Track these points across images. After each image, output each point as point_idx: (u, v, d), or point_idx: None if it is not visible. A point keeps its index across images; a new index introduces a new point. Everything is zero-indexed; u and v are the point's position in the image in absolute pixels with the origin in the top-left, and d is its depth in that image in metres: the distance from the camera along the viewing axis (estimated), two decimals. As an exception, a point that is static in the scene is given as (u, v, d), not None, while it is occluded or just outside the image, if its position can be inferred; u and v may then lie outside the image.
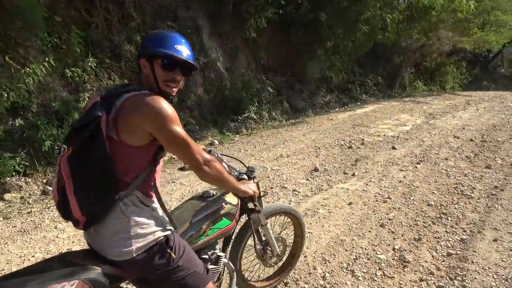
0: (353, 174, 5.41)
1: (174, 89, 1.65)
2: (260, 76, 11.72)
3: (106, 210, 1.52)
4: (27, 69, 5.32)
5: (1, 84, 5.29)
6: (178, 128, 1.51)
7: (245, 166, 2.46)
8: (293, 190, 4.83)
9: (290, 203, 4.42)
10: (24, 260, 3.29)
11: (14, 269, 3.00)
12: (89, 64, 6.85)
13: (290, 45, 12.17)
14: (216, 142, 7.93)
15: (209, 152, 2.37)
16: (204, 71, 9.58)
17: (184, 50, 1.64)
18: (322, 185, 5.01)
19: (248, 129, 9.26)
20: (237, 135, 8.69)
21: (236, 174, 2.31)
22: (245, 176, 2.27)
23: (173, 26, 8.58)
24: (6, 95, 5.22)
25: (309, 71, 13.19)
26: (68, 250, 3.30)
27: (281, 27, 11.83)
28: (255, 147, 7.25)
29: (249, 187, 2.00)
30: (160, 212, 1.71)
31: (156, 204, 1.69)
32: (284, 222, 2.86)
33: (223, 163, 2.34)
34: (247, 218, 2.30)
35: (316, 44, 12.49)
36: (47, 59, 5.79)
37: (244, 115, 9.72)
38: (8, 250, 3.46)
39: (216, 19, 10.31)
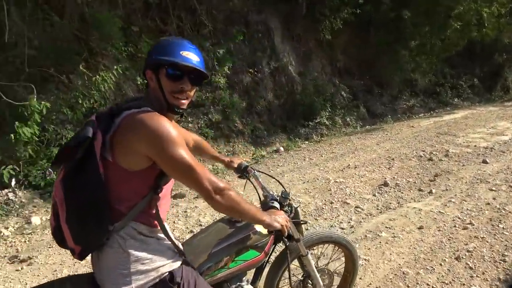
0: (430, 192, 4.71)
1: (183, 101, 1.44)
2: (334, 80, 11.17)
3: (100, 242, 1.37)
4: (98, 77, 5.62)
5: (78, 91, 5.69)
6: (181, 151, 1.30)
7: (283, 187, 2.13)
8: (355, 207, 4.35)
9: (350, 221, 3.97)
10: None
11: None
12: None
13: (369, 46, 11.42)
14: (282, 149, 7.67)
15: (246, 168, 2.13)
16: (275, 76, 9.39)
17: (192, 57, 1.43)
18: (390, 203, 4.44)
19: (319, 136, 8.83)
20: (306, 142, 8.33)
21: (268, 198, 2.00)
22: (277, 204, 1.90)
23: (243, 30, 8.52)
24: (81, 102, 5.58)
25: (390, 73, 12.24)
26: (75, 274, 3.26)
27: (359, 27, 11.16)
28: (321, 156, 6.82)
29: (276, 219, 1.65)
30: (168, 241, 1.51)
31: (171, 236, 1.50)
32: (333, 253, 2.46)
33: (259, 182, 2.06)
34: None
35: (399, 44, 11.55)
36: (120, 66, 6.10)
37: (316, 121, 9.31)
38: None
39: (288, 22, 10.07)
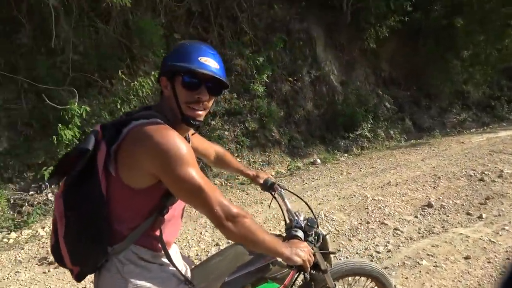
0: (480, 217, 4.28)
1: (199, 112, 1.29)
2: (378, 90, 10.73)
3: (97, 264, 1.27)
4: (137, 82, 5.71)
5: (117, 96, 5.81)
6: (190, 170, 1.16)
7: (312, 212, 1.91)
8: (394, 229, 4.02)
9: (387, 245, 3.66)
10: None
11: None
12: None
13: (417, 55, 10.89)
14: (319, 161, 7.40)
15: (272, 185, 1.94)
16: (315, 85, 9.16)
17: (211, 63, 1.28)
18: (434, 227, 4.06)
19: (359, 149, 8.47)
20: (345, 155, 8.00)
21: (293, 223, 1.80)
22: (301, 233, 1.64)
23: (284, 38, 8.39)
24: (119, 107, 5.69)
25: (440, 84, 11.58)
26: None
27: (407, 35, 10.68)
28: (360, 170, 6.48)
29: (298, 253, 1.39)
30: (173, 267, 1.37)
31: (175, 261, 1.37)
32: (365, 286, 2.21)
33: (285, 202, 1.88)
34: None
35: (450, 53, 10.93)
36: (158, 72, 6.16)
37: (356, 133, 8.95)
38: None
39: (332, 30, 9.82)
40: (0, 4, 5.60)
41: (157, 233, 1.31)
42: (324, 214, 4.46)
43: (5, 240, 4.31)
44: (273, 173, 6.73)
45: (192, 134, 1.62)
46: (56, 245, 1.31)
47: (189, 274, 1.48)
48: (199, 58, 1.26)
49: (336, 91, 9.47)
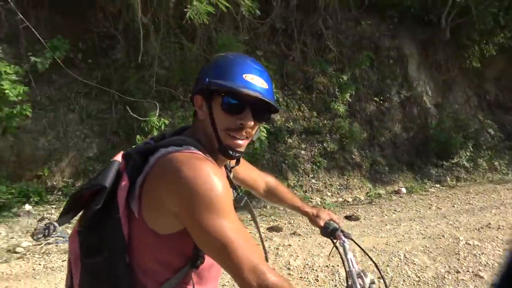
0: None
1: (240, 141, 1.07)
2: (481, 114, 9.48)
3: None
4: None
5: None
6: (222, 221, 0.91)
7: (379, 272, 1.53)
8: (492, 285, 3.30)
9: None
10: None
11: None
12: (275, 95, 6.91)
13: (532, 76, 9.42)
14: (404, 190, 6.66)
15: (334, 232, 1.56)
16: (405, 106, 8.40)
17: (258, 82, 1.05)
18: (547, 287, 3.25)
19: (454, 180, 7.48)
20: (436, 186, 7.11)
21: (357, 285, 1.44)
22: None
23: (371, 56, 7.87)
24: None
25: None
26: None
27: (519, 53, 9.31)
28: (453, 206, 5.64)
29: None
30: None
31: None
32: None
33: (347, 258, 1.52)
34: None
35: None
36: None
37: (452, 161, 7.95)
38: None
39: (427, 47, 9.00)
40: (102, 22, 6.16)
41: (190, 287, 1.06)
42: (404, 255, 3.89)
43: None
44: (350, 199, 6.22)
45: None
46: None
47: None
48: (243, 76, 1.04)
49: (429, 113, 8.58)
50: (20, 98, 4.90)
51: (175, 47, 6.18)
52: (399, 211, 5.48)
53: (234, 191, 1.23)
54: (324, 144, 7.06)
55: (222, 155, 1.06)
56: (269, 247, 4.13)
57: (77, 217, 1.08)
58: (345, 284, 1.44)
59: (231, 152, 1.06)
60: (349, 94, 7.50)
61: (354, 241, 1.59)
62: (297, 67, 7.69)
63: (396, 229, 4.65)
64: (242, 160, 1.48)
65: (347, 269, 1.46)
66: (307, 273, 3.60)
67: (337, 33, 8.01)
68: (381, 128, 7.88)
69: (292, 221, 4.95)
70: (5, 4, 5.36)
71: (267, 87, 1.06)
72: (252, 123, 1.05)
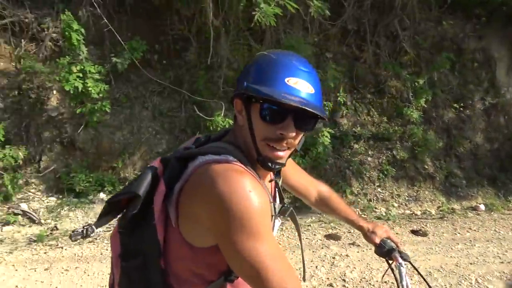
0: None
1: (280, 153, 0.98)
2: None
3: None
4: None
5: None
6: (255, 243, 0.84)
7: None
8: None
9: None
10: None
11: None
12: (342, 98, 6.68)
13: None
14: (482, 207, 6.03)
15: (390, 252, 1.44)
16: (490, 114, 7.61)
17: (303, 87, 0.95)
18: None
19: (545, 199, 6.60)
20: (522, 204, 6.34)
21: None
22: None
23: (452, 59, 7.24)
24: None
25: None
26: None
27: None
28: (541, 230, 4.98)
29: None
30: None
31: None
32: None
33: (402, 284, 1.37)
34: None
35: None
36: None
37: (544, 178, 7.03)
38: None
39: (520, 50, 8.04)
40: (177, 25, 6.49)
41: None
42: (476, 280, 3.52)
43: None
44: (418, 212, 5.79)
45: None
46: (113, 286, 1.13)
47: None
48: (286, 80, 0.94)
49: (518, 123, 7.68)
50: (101, 95, 5.36)
51: (244, 49, 6.28)
52: (475, 230, 4.97)
53: (279, 202, 1.16)
54: (394, 152, 6.67)
55: (261, 166, 1.00)
56: (325, 256, 4.01)
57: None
58: None
59: (270, 164, 0.98)
60: (424, 99, 7.00)
61: (412, 265, 1.44)
62: (368, 69, 7.36)
63: (469, 250, 4.23)
64: (292, 164, 1.42)
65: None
66: (363, 287, 3.43)
67: (414, 34, 7.51)
68: (460, 137, 7.23)
69: (352, 230, 4.75)
70: (93, 10, 5.90)
71: (313, 92, 0.96)
72: (294, 133, 0.96)
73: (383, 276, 1.60)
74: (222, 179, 0.86)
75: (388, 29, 7.44)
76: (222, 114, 5.67)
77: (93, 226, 1.00)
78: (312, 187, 1.52)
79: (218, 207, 0.84)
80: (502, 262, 3.90)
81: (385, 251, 1.44)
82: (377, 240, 1.47)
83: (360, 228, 1.52)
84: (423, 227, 4.97)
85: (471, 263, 3.86)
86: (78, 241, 4.34)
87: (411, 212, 5.77)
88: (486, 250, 4.22)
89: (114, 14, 6.02)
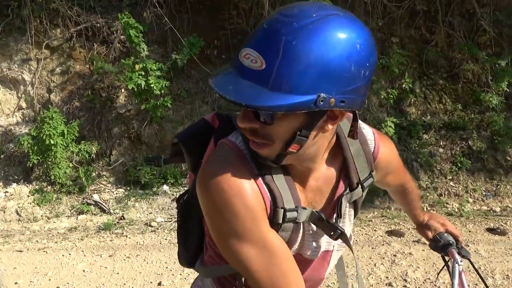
0: None
1: (257, 148, 0.79)
2: None
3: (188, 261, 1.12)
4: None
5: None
6: (239, 244, 0.78)
7: None
8: None
9: None
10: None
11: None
12: (408, 85, 6.20)
13: None
14: None
15: (446, 247, 1.29)
16: None
17: (250, 62, 0.70)
18: None
19: None
20: None
21: None
22: None
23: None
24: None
25: None
26: None
27: None
28: None
29: None
30: None
31: None
32: None
33: (461, 280, 1.24)
34: None
35: None
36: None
37: None
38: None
39: None
40: (235, 19, 6.54)
41: (236, 281, 0.99)
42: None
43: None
44: (497, 209, 5.18)
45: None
46: None
47: None
48: (240, 53, 0.72)
49: None
50: (163, 91, 5.59)
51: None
52: None
53: (336, 214, 0.96)
54: (469, 142, 6.05)
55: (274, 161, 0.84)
56: (385, 253, 3.76)
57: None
58: None
59: (260, 160, 0.81)
60: (506, 83, 6.22)
61: (471, 263, 1.30)
62: (440, 53, 6.75)
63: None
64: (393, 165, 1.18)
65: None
66: (427, 288, 3.15)
67: (495, 10, 6.71)
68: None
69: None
70: (157, 10, 6.18)
71: (261, 68, 0.68)
72: (247, 124, 0.75)
73: (438, 274, 1.45)
74: (211, 164, 0.82)
75: (464, 6, 6.74)
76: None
77: (162, 160, 1.11)
78: (398, 180, 1.28)
79: (200, 188, 0.81)
80: None
81: (440, 245, 1.31)
82: (430, 234, 1.33)
83: (414, 217, 1.37)
84: (502, 225, 4.43)
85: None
86: (142, 230, 4.60)
87: (489, 209, 5.17)
88: None
89: (176, 14, 6.24)
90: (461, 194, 5.53)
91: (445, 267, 1.33)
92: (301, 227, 0.90)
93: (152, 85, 5.40)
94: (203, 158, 0.92)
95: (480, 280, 1.26)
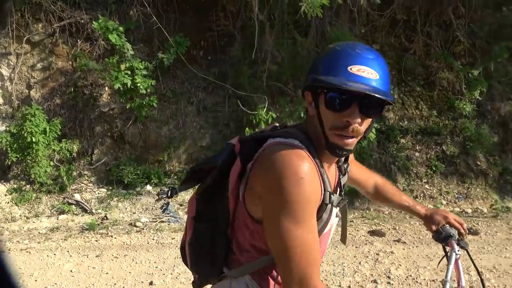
0: None
1: (347, 140, 1.01)
2: None
3: (208, 279, 1.22)
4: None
5: (301, 105, 5.92)
6: (291, 226, 0.92)
7: None
8: None
9: None
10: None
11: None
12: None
13: None
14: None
15: (447, 238, 1.42)
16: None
17: (366, 73, 0.98)
18: None
19: None
20: None
21: None
22: None
23: (509, 47, 6.75)
24: (303, 115, 5.79)
25: None
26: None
27: None
28: None
29: None
30: None
31: None
32: None
33: (458, 269, 1.37)
34: None
35: None
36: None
37: None
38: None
39: None
40: (222, 21, 6.58)
41: (270, 274, 1.12)
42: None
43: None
44: (469, 210, 5.49)
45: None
46: (183, 246, 1.30)
47: None
48: (349, 68, 0.98)
49: None
50: (148, 90, 5.58)
51: (288, 43, 6.24)
52: (532, 231, 4.65)
53: (339, 193, 1.20)
54: (443, 147, 6.36)
55: (330, 153, 1.05)
56: (369, 252, 3.94)
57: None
58: None
59: (337, 151, 1.03)
60: (479, 91, 6.58)
61: (468, 253, 1.41)
62: (418, 61, 7.05)
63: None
64: (352, 158, 1.41)
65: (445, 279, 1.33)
66: (409, 284, 3.35)
67: (469, 22, 7.07)
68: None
69: (397, 227, 4.61)
70: (144, 9, 6.14)
71: (377, 77, 0.98)
72: (358, 120, 0.98)
73: (439, 263, 1.58)
74: (281, 160, 0.95)
75: (441, 17, 7.05)
76: (265, 108, 5.68)
77: (177, 189, 1.16)
78: (370, 178, 1.55)
79: (271, 185, 0.95)
80: None
81: (442, 237, 1.43)
82: (434, 227, 1.47)
83: (417, 214, 1.53)
84: (474, 226, 4.71)
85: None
86: (127, 230, 4.59)
87: (461, 210, 5.48)
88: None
89: (163, 13, 6.21)
90: (435, 196, 5.82)
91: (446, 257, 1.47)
92: (333, 208, 1.08)
93: (138, 84, 5.38)
94: (230, 177, 1.05)
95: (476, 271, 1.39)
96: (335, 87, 0.96)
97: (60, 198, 5.33)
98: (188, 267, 1.27)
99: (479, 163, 6.28)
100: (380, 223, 4.75)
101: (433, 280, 3.41)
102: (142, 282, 3.35)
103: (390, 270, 3.55)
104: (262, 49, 6.23)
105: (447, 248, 1.43)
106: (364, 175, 1.51)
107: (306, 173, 0.93)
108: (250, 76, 6.34)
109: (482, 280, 1.37)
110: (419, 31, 6.95)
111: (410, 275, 3.48)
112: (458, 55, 7.03)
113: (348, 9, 6.17)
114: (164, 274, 3.47)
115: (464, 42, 6.93)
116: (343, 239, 1.45)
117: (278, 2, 5.79)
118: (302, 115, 5.77)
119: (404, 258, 3.80)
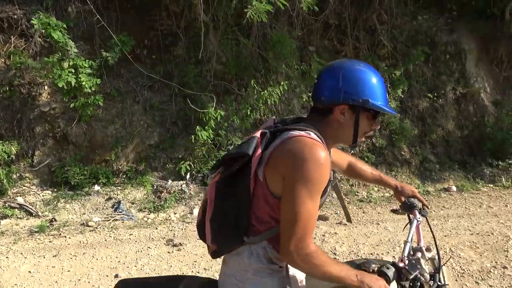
0: None
1: (364, 139, 1.50)
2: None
3: (232, 248, 1.40)
4: (266, 91, 6.04)
5: (248, 103, 6.24)
6: (307, 197, 1.20)
7: (437, 255, 1.63)
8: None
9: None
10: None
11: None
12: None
13: None
14: (454, 188, 6.55)
15: (412, 207, 1.74)
16: (460, 103, 8.16)
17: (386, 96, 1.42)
18: None
19: (509, 180, 7.18)
20: (489, 185, 6.89)
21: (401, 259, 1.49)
22: (390, 273, 1.35)
23: (427, 52, 7.73)
24: (249, 113, 6.10)
25: None
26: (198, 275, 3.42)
27: None
28: (506, 206, 5.49)
29: (368, 284, 1.25)
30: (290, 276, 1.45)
31: (291, 270, 1.44)
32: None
33: (411, 229, 1.65)
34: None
35: None
36: (287, 82, 6.42)
37: (509, 161, 7.61)
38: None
39: (488, 42, 8.60)
40: (165, 21, 6.65)
41: None
42: (450, 249, 3.96)
43: (145, 219, 5.05)
44: (397, 195, 6.24)
45: None
46: (202, 223, 1.49)
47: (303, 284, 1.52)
48: (386, 96, 1.39)
49: (486, 111, 8.25)
50: (93, 89, 5.49)
51: (232, 44, 6.50)
52: (448, 208, 5.46)
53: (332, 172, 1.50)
54: (373, 140, 7.10)
55: (352, 147, 1.44)
56: (316, 234, 4.36)
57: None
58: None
59: (357, 145, 1.41)
60: (401, 90, 7.45)
61: (427, 220, 1.75)
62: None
63: (444, 225, 4.68)
64: None
65: (406, 240, 1.59)
66: (352, 258, 3.79)
67: (391, 28, 7.93)
68: (433, 125, 7.73)
69: (338, 212, 5.12)
70: (83, 6, 6.00)
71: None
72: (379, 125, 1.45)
73: (403, 228, 1.87)
74: (308, 148, 1.22)
75: (367, 23, 7.82)
76: (214, 107, 5.90)
77: (209, 173, 1.45)
78: (345, 158, 1.86)
79: (297, 166, 1.20)
80: (472, 234, 4.36)
81: (408, 206, 1.77)
82: (403, 197, 1.82)
83: (389, 186, 1.89)
84: (421, 210, 5.40)
85: (445, 236, 4.30)
86: (80, 230, 4.53)
87: (390, 195, 6.19)
88: (458, 224, 4.68)
89: (103, 10, 6.11)
90: (368, 184, 6.48)
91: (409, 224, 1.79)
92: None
93: (83, 83, 5.28)
94: (252, 162, 1.29)
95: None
96: (386, 112, 1.35)
97: (1, 202, 5.06)
98: (204, 242, 1.46)
99: (403, 153, 7.13)
100: (324, 209, 5.23)
101: (371, 253, 3.93)
102: (107, 275, 3.40)
103: (335, 248, 4.01)
104: (207, 49, 6.43)
105: (411, 216, 1.75)
106: (338, 156, 1.80)
107: (324, 160, 1.20)
108: (196, 75, 6.49)
109: (435, 239, 1.66)
110: (349, 35, 7.64)
111: (353, 251, 3.96)
112: (382, 57, 7.85)
113: (287, 14, 6.61)
114: (128, 267, 3.55)
115: (387, 46, 7.78)
116: (348, 218, 1.82)
117: (222, 4, 6.03)
118: (248, 113, 6.10)
119: (346, 237, 4.29)
